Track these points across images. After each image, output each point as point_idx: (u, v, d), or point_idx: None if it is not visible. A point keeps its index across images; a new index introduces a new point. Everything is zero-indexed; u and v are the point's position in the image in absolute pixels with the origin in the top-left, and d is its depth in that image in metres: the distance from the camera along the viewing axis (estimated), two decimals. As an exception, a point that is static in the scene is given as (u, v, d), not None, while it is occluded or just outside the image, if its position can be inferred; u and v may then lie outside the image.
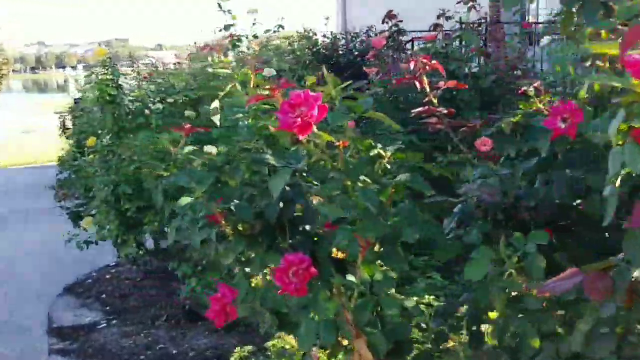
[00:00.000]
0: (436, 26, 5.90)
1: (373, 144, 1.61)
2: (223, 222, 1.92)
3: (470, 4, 5.24)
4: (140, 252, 5.60)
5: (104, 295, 6.23)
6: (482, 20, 7.73)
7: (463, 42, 5.51)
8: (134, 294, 6.20)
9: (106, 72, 4.85)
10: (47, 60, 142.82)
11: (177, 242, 5.78)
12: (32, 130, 20.34)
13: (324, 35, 12.20)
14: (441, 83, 2.07)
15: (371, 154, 1.59)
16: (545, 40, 5.93)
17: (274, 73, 5.38)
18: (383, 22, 5.68)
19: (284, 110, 1.50)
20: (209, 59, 5.38)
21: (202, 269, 4.83)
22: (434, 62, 2.18)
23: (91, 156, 5.29)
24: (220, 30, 5.72)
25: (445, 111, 1.97)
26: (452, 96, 5.03)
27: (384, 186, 1.44)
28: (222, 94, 2.37)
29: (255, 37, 5.81)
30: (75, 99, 15.81)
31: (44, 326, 5.51)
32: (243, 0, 5.61)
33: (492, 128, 1.94)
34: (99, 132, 5.64)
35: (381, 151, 1.63)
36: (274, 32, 5.97)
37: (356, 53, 11.87)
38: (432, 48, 5.50)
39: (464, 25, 7.54)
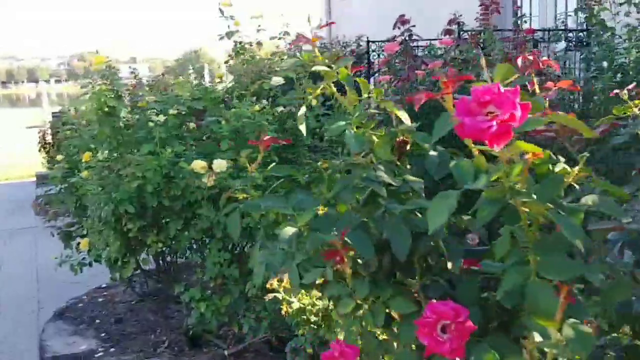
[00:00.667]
0: (448, 32, 5.63)
1: (553, 156, 1.28)
2: (341, 258, 1.56)
3: (493, 6, 4.97)
4: (137, 272, 5.22)
5: (98, 321, 5.82)
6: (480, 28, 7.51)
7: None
8: (130, 319, 5.81)
9: (105, 81, 4.48)
10: (18, 75, 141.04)
11: (178, 264, 5.43)
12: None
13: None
14: (550, 84, 1.76)
15: (554, 170, 1.24)
16: (560, 45, 5.68)
17: (282, 82, 5.06)
18: (394, 27, 5.39)
19: (468, 110, 1.12)
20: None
21: (211, 293, 4.47)
22: (544, 58, 1.87)
23: (86, 172, 4.90)
24: (222, 38, 5.38)
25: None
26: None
27: (574, 213, 1.11)
28: (311, 95, 2.01)
29: (259, 44, 5.48)
30: (53, 113, 15.34)
31: (35, 356, 5.10)
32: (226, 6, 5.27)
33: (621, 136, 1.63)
34: (92, 146, 5.27)
35: (567, 167, 1.26)
36: (279, 39, 5.64)
37: (347, 63, 11.60)
38: (448, 54, 5.22)
39: (463, 33, 7.30)
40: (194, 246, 4.70)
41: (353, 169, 1.74)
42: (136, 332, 5.51)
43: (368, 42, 10.93)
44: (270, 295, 3.01)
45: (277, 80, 4.97)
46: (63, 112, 10.10)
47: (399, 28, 5.40)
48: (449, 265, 1.48)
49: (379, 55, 11.16)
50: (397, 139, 1.76)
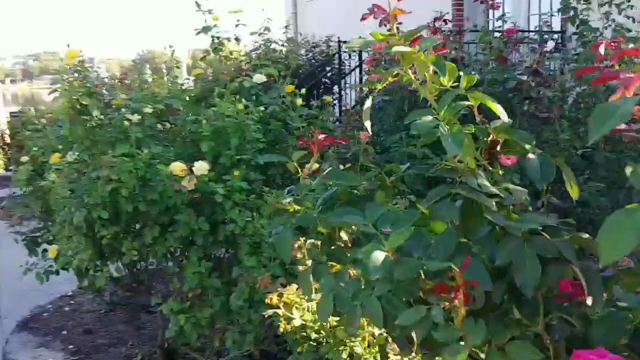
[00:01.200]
0: (436, 30, 5.43)
1: None
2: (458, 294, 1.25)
3: (490, 2, 4.79)
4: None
5: (65, 332, 5.49)
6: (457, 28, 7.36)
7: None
8: (100, 329, 5.50)
9: (77, 78, 4.17)
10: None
11: (149, 271, 5.12)
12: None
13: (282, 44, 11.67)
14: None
15: None
16: (549, 45, 5.52)
17: (264, 79, 4.81)
18: (381, 24, 5.15)
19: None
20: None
21: (190, 305, 4.19)
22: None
23: (54, 175, 4.58)
24: (199, 33, 5.10)
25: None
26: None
27: None
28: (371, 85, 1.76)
29: (237, 40, 5.21)
30: (12, 113, 14.79)
31: (-2, 371, 4.75)
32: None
33: None
34: (60, 147, 4.95)
35: None
36: (260, 34, 5.38)
37: (316, 64, 11.34)
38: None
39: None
40: (172, 254, 4.40)
41: (449, 175, 1.47)
42: (107, 344, 5.19)
43: (339, 42, 10.71)
44: (270, 312, 2.75)
45: (260, 77, 4.72)
46: (23, 112, 9.66)
47: (385, 25, 5.16)
48: (589, 300, 1.19)
49: (350, 56, 10.95)
50: (489, 139, 1.51)
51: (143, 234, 4.24)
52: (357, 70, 10.40)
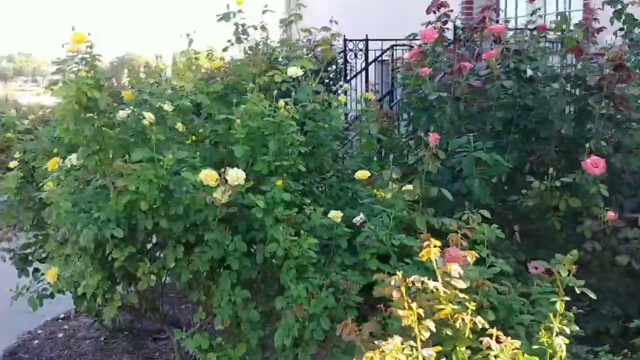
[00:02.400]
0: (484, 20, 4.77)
1: None
2: None
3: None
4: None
5: (60, 364, 4.74)
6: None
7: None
8: (101, 362, 4.75)
9: (84, 66, 3.44)
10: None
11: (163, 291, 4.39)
12: None
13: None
14: None
15: None
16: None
17: (300, 73, 4.12)
18: (428, 12, 4.51)
19: None
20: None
21: (221, 341, 3.50)
22: None
23: (50, 183, 3.85)
24: (220, 19, 4.38)
25: None
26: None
27: None
28: None
29: (264, 28, 4.52)
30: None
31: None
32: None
33: None
34: (55, 150, 4.22)
35: None
36: (290, 22, 4.70)
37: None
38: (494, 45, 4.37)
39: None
40: (196, 279, 3.69)
41: None
42: (110, 381, 4.47)
43: (345, 40, 10.02)
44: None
45: (295, 71, 4.03)
46: (2, 112, 8.86)
47: (434, 12, 4.52)
48: None
49: (355, 55, 10.25)
50: None
51: (164, 256, 3.53)
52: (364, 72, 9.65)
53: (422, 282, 2.24)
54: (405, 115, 4.70)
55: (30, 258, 4.75)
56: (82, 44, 3.44)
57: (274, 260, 3.42)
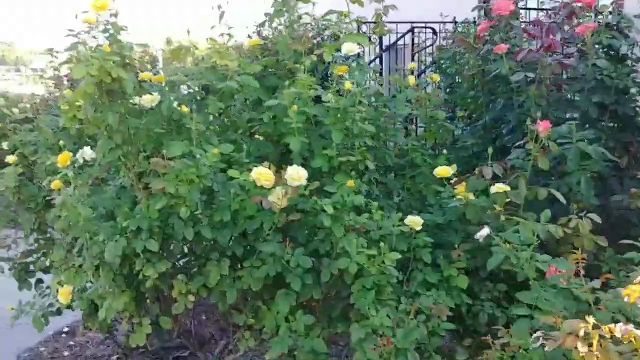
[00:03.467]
0: None
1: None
2: None
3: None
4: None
5: (68, 391, 4.08)
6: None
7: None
8: (116, 388, 4.10)
9: (108, 39, 2.77)
10: None
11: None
12: None
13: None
14: None
15: None
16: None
17: (356, 51, 3.47)
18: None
19: None
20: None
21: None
22: None
23: (57, 182, 3.17)
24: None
25: None
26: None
27: None
28: None
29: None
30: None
31: None
32: None
33: None
34: (62, 142, 3.55)
35: None
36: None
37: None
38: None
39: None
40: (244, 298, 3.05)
41: None
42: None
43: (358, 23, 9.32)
44: None
45: (350, 47, 3.37)
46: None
47: (503, -17, 3.87)
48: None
49: (369, 39, 9.51)
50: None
51: (204, 271, 2.88)
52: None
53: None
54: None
55: (31, 267, 4.07)
56: (105, 10, 2.76)
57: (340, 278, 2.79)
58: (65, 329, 4.96)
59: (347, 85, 2.96)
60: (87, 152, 3.17)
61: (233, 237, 2.82)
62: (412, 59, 8.15)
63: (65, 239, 3.58)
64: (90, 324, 3.62)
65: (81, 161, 3.21)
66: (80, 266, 3.26)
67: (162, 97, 2.88)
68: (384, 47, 8.63)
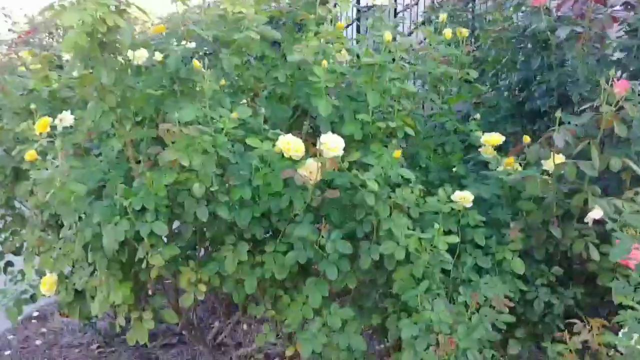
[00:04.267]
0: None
1: None
2: None
3: None
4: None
5: (45, 385, 3.63)
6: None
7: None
8: (100, 381, 3.66)
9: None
10: None
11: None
12: None
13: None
14: None
15: None
16: None
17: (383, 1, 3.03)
18: None
19: None
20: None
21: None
22: None
23: (31, 152, 2.67)
24: None
25: None
26: None
27: None
28: None
29: None
30: None
31: None
32: None
33: None
34: (33, 106, 3.03)
35: None
36: None
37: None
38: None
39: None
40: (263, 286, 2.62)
41: None
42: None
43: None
44: None
45: (375, -3, 2.94)
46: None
47: None
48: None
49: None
50: None
51: (219, 258, 2.44)
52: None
53: None
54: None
55: (0, 250, 3.56)
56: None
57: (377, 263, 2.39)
58: (36, 314, 4.46)
59: (387, 36, 2.51)
60: (67, 117, 2.68)
61: (254, 218, 2.37)
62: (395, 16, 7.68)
63: (40, 217, 3.10)
64: (70, 313, 3.15)
65: (60, 128, 2.72)
66: (61, 249, 2.80)
67: (166, 51, 2.39)
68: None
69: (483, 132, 2.94)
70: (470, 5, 4.23)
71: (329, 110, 2.44)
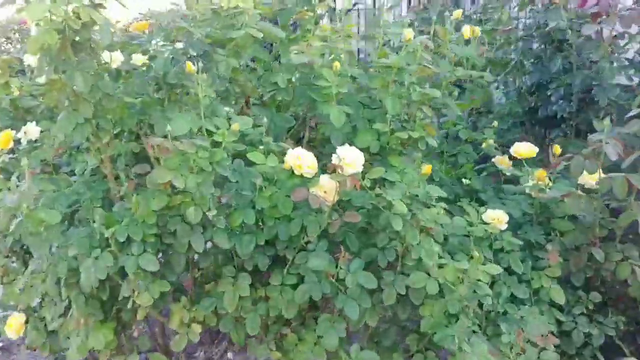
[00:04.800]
0: None
1: None
2: None
3: None
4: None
5: None
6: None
7: None
8: None
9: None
10: None
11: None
12: None
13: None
14: None
15: None
16: None
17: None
18: None
19: None
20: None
21: None
22: None
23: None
24: None
25: None
26: None
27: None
28: None
29: None
30: None
31: None
32: None
33: None
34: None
35: None
36: None
37: None
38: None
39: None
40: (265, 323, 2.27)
41: None
42: None
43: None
44: None
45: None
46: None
47: None
48: None
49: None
50: None
51: (216, 293, 2.09)
52: None
53: None
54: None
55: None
56: None
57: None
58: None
59: (408, 35, 2.18)
60: (32, 130, 2.31)
61: (258, 247, 2.03)
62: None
63: (4, 242, 2.71)
64: (40, 348, 2.76)
65: (24, 142, 2.35)
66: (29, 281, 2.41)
67: (152, 52, 2.04)
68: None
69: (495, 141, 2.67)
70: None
71: (342, 120, 2.10)
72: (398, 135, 2.14)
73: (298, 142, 2.56)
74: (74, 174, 2.36)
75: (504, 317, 2.12)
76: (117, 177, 2.19)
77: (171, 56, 2.00)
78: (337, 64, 2.11)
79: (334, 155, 1.92)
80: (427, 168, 2.02)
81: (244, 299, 2.08)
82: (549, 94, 3.09)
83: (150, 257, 1.90)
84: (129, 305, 1.97)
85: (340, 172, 1.88)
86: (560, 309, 2.30)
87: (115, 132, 2.21)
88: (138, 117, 2.14)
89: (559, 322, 2.26)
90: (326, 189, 1.93)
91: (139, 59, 2.12)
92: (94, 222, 1.99)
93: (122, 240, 1.88)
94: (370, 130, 2.19)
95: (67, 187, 2.22)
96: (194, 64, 1.95)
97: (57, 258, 2.00)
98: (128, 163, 2.29)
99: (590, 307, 2.33)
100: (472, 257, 2.02)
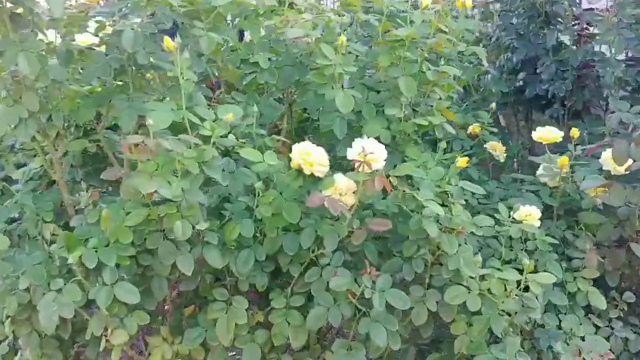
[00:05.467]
0: None
1: None
2: None
3: None
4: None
5: None
6: None
7: None
8: None
9: None
10: None
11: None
12: None
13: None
14: None
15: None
16: None
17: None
18: None
19: None
20: None
21: None
22: None
23: None
24: None
25: None
26: None
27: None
28: None
29: None
30: None
31: None
32: None
33: None
34: None
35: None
36: None
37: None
38: None
39: None
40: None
41: None
42: None
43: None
44: None
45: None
46: None
47: None
48: None
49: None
50: None
51: (205, 320, 1.71)
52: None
53: None
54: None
55: None
56: None
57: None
58: None
59: (424, 2, 1.82)
60: None
61: (257, 264, 1.65)
62: None
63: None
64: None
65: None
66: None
67: (119, 27, 1.61)
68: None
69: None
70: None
71: (350, 106, 1.74)
72: (416, 122, 1.79)
73: (277, 134, 2.18)
74: (14, 181, 1.92)
75: (543, 330, 1.82)
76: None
77: (142, 31, 1.57)
78: (342, 38, 1.73)
79: (350, 149, 1.56)
80: (462, 160, 1.68)
81: (240, 327, 1.70)
82: (538, 71, 2.81)
83: (128, 286, 1.49)
84: (101, 348, 1.55)
85: (363, 169, 1.52)
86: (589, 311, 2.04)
87: (64, 128, 1.78)
88: (96, 109, 1.71)
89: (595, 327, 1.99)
90: (343, 190, 1.57)
91: (86, 37, 1.69)
92: (46, 242, 1.57)
93: (91, 266, 1.46)
94: (380, 117, 1.84)
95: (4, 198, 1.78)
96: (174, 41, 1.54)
97: (3, 292, 1.56)
98: (81, 166, 1.88)
99: (624, 308, 2.06)
100: (505, 262, 1.71)
